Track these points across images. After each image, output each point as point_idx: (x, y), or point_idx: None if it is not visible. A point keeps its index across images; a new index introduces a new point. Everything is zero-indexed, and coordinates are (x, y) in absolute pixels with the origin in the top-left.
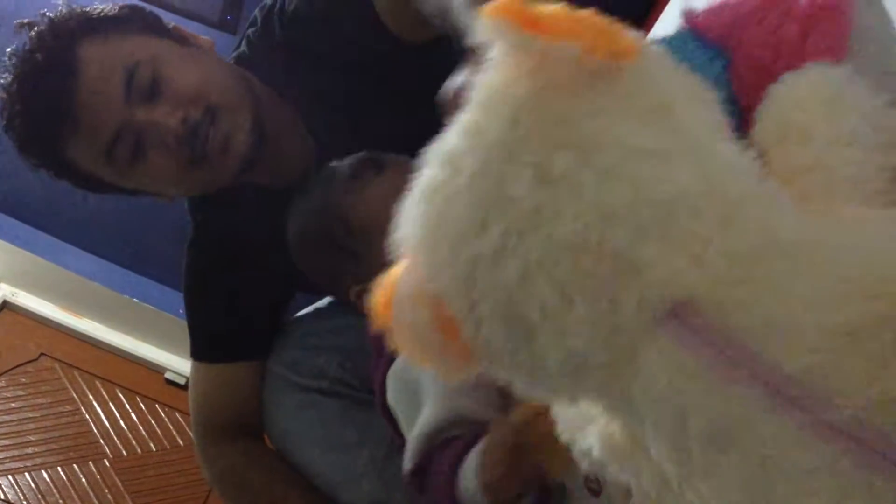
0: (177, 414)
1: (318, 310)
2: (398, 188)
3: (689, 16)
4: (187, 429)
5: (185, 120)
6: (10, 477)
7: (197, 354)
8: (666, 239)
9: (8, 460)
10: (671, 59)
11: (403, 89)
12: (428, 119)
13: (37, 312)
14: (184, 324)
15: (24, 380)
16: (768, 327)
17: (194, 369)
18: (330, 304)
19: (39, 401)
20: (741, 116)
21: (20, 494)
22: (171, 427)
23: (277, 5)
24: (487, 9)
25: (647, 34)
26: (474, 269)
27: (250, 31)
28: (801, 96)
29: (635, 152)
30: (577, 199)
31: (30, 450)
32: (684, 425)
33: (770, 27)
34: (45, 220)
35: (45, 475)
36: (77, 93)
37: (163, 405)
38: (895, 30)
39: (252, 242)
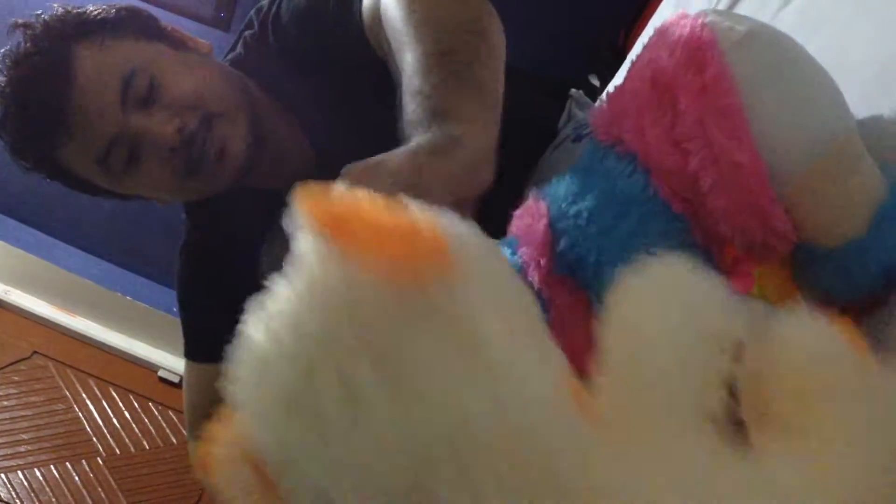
0: (170, 412)
1: None
2: None
3: (594, 123)
4: (181, 427)
5: (182, 129)
6: (2, 475)
7: (190, 354)
8: (454, 470)
9: (1, 458)
10: (487, 260)
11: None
12: None
13: (30, 310)
14: (177, 322)
15: (17, 378)
16: None
17: (187, 368)
18: None
19: (32, 399)
20: (683, 222)
21: (13, 493)
22: (164, 425)
23: (272, 11)
24: (301, 199)
25: (639, 35)
26: (285, 450)
27: (247, 33)
28: (636, 293)
29: (431, 372)
30: (372, 414)
31: (23, 448)
32: None
33: (665, 128)
34: (38, 218)
35: (38, 473)
36: (72, 99)
37: (156, 403)
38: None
39: (246, 243)
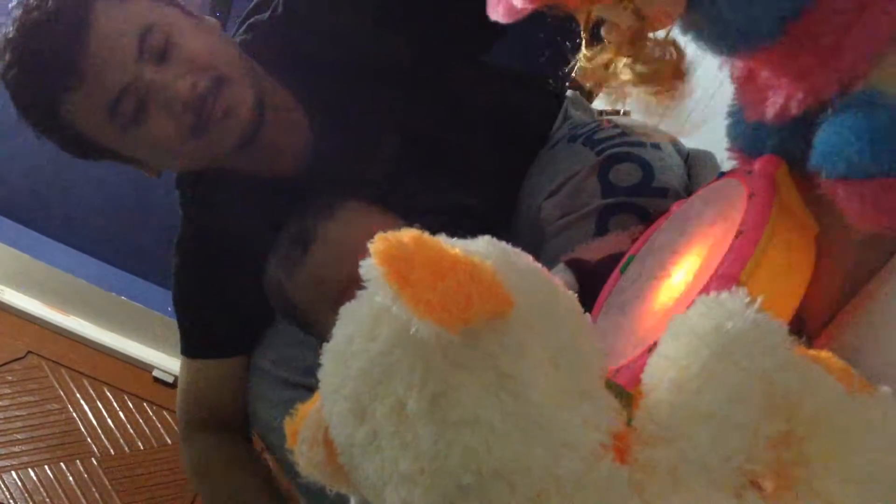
0: (164, 412)
1: None
2: (325, 265)
3: None
4: (175, 427)
5: (195, 86)
6: None
7: (186, 351)
8: None
9: None
10: (545, 305)
11: (407, 73)
12: (430, 102)
13: (24, 310)
14: (172, 322)
15: (10, 378)
16: None
17: (183, 364)
18: None
19: (26, 399)
20: None
21: (7, 493)
22: (158, 425)
23: None
24: (375, 246)
25: None
26: (351, 445)
27: (256, 17)
28: (684, 341)
29: (474, 419)
30: (417, 440)
31: (17, 448)
32: None
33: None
34: (32, 217)
35: (32, 473)
36: (88, 45)
37: (151, 403)
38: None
39: (243, 237)
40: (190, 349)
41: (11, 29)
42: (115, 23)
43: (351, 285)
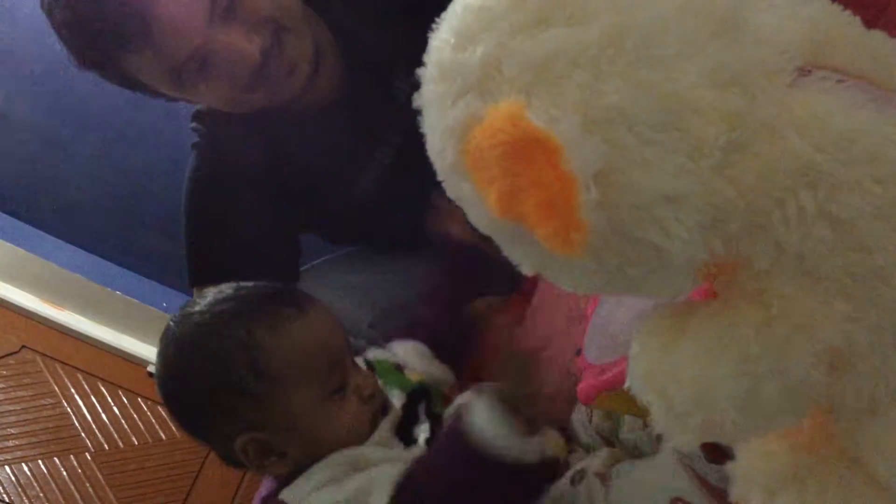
0: (159, 407)
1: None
2: (317, 332)
3: None
4: (170, 422)
5: (259, 45)
6: None
7: (197, 281)
8: None
9: None
10: None
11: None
12: None
13: (18, 304)
14: (166, 317)
15: (5, 372)
16: None
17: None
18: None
19: (20, 393)
20: None
21: (0, 488)
22: (153, 420)
23: None
24: None
25: None
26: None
27: None
28: None
29: None
30: None
31: (10, 442)
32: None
33: None
34: (26, 211)
35: (26, 468)
36: (161, 6)
37: (145, 398)
38: None
39: (258, 171)
40: (198, 279)
41: None
42: None
43: None
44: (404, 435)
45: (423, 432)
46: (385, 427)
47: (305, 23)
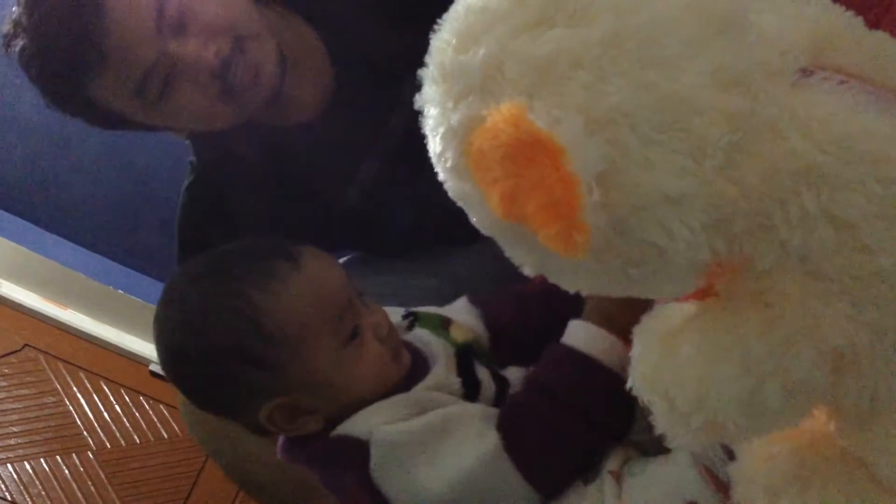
0: (161, 406)
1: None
2: (317, 282)
3: None
4: (171, 421)
5: (218, 53)
6: None
7: None
8: None
9: None
10: None
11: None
12: None
13: (21, 303)
14: None
15: (7, 371)
16: None
17: None
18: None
19: (23, 392)
20: None
21: (2, 486)
22: (155, 419)
23: None
24: None
25: None
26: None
27: None
28: None
29: None
30: None
31: (12, 441)
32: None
33: None
34: (29, 210)
35: (28, 467)
36: (108, 28)
37: (147, 397)
38: None
39: (255, 182)
40: None
41: (22, 13)
42: (129, 1)
43: None
44: (466, 377)
45: (484, 374)
46: (439, 372)
47: (266, 28)
